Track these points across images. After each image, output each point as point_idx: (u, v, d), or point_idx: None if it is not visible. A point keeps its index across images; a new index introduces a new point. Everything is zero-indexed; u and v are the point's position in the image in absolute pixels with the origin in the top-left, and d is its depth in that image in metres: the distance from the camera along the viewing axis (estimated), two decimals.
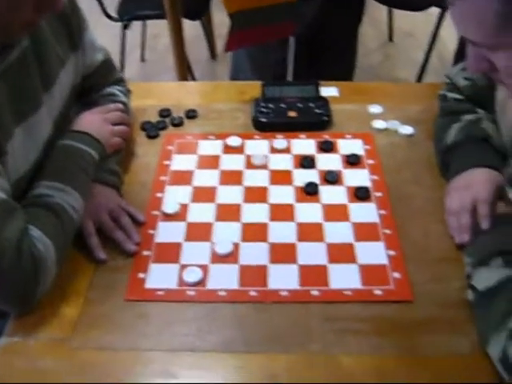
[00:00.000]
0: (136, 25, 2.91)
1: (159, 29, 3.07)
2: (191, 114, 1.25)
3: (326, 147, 1.15)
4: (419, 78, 2.50)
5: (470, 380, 0.78)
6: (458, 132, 1.04)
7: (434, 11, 2.35)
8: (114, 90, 1.19)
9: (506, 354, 0.73)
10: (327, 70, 1.69)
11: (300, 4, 1.28)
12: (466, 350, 0.81)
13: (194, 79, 2.53)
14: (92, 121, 1.07)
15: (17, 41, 0.90)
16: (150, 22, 2.93)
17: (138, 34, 2.98)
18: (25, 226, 0.84)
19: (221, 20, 3.01)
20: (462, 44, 2.44)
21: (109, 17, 2.44)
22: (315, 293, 0.87)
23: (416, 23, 2.99)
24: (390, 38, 2.99)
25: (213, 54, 2.95)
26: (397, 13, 2.86)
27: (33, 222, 0.85)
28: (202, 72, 2.81)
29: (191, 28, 2.67)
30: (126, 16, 2.40)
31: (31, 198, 0.91)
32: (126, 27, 2.46)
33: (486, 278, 0.82)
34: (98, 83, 1.17)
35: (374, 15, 3.01)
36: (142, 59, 3.01)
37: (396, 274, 0.90)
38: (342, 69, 1.77)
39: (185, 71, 2.37)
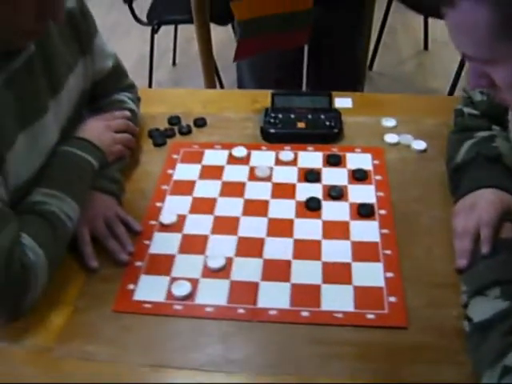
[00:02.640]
0: (169, 28, 2.94)
1: (192, 32, 3.09)
2: (200, 123, 1.24)
3: (334, 161, 1.11)
4: (451, 90, 2.42)
5: None
6: (468, 150, 0.99)
7: None
8: (123, 96, 1.18)
9: None
10: (330, 76, 1.63)
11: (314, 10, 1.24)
12: (458, 382, 0.76)
13: (221, 86, 2.52)
14: (94, 127, 1.06)
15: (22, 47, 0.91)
16: (183, 26, 2.94)
17: (171, 37, 3.00)
18: (17, 234, 0.83)
19: None
20: None
21: (138, 21, 2.46)
22: (305, 314, 0.84)
23: None
24: (425, 47, 2.92)
25: None
26: (432, 21, 2.79)
27: (26, 230, 0.85)
28: (233, 78, 2.79)
29: (222, 32, 2.67)
30: (155, 20, 2.41)
31: (27, 204, 0.90)
32: (155, 31, 2.47)
33: (482, 309, 0.77)
34: (107, 89, 1.17)
35: (409, 23, 2.95)
36: (174, 63, 3.03)
37: (392, 298, 0.86)
38: (347, 74, 1.71)
39: (212, 78, 2.37)
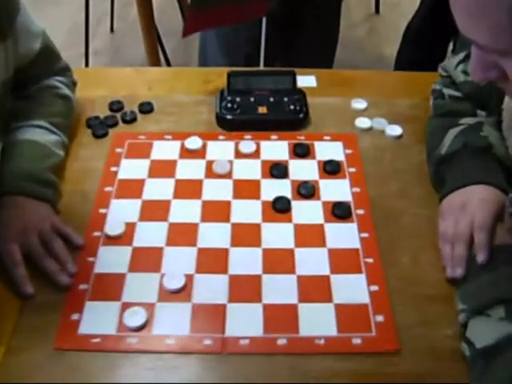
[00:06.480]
0: None
1: None
2: (146, 108, 1.08)
3: (301, 151, 0.98)
4: None
5: None
6: (454, 139, 0.88)
7: None
8: (55, 81, 1.01)
9: None
10: (305, 52, 1.51)
11: None
12: None
13: (164, 53, 2.33)
14: None
15: None
16: None
17: (107, 2, 2.76)
18: None
19: None
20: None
21: None
22: (282, 342, 0.72)
23: None
24: (377, 10, 2.80)
25: None
26: None
27: None
28: (176, 45, 2.60)
29: None
30: None
31: None
32: None
33: (485, 332, 0.68)
34: (37, 75, 1.00)
35: None
36: (112, 30, 2.80)
37: (379, 317, 0.75)
38: (322, 52, 1.59)
39: (154, 45, 2.18)
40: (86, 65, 2.37)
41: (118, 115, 1.07)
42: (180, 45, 2.66)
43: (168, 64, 2.38)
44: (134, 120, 1.06)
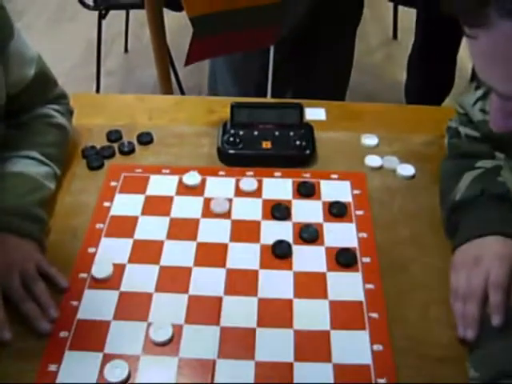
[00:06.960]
0: (121, 12, 2.68)
1: (146, 16, 2.85)
2: (145, 139, 1.03)
3: (305, 191, 0.92)
4: None
5: None
6: (470, 184, 0.82)
7: None
8: (49, 109, 0.97)
9: None
10: (314, 83, 1.46)
11: (285, 5, 1.05)
12: None
13: (177, 77, 2.30)
14: None
15: None
16: (136, 10, 2.71)
17: (122, 21, 2.74)
18: None
19: None
20: None
21: (84, 5, 2.21)
22: None
23: None
24: (395, 36, 2.75)
25: None
26: (402, 9, 2.61)
27: None
28: (189, 68, 2.56)
29: (175, 18, 2.45)
30: (102, 4, 2.16)
31: None
32: (103, 16, 2.22)
33: None
34: (30, 102, 0.95)
35: (378, 11, 2.76)
36: (126, 50, 2.78)
37: (381, 381, 0.68)
38: (335, 79, 1.54)
39: (166, 68, 2.15)
40: (98, 86, 2.35)
41: (116, 146, 1.02)
42: (193, 68, 2.62)
43: (180, 88, 2.35)
44: (131, 151, 1.01)
